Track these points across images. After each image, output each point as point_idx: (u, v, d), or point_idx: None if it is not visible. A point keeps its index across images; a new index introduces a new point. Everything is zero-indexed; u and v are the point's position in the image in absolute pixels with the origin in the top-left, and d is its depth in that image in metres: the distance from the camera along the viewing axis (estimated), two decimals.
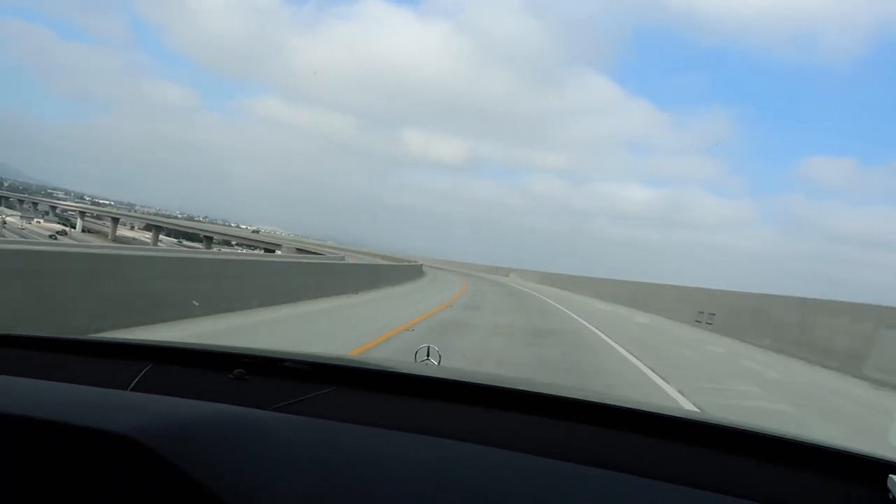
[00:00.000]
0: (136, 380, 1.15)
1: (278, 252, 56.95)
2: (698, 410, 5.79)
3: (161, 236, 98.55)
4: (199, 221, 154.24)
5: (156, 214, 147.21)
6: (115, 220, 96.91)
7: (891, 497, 0.83)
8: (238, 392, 1.14)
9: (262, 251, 63.35)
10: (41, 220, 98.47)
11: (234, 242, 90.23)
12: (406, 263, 33.73)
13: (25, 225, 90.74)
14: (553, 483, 0.84)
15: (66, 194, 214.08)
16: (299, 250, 57.05)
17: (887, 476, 0.86)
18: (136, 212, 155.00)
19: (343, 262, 22.66)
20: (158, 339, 1.57)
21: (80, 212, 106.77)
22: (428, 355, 1.94)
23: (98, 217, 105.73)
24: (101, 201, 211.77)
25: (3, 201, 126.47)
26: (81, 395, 0.90)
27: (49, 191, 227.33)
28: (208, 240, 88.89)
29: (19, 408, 0.78)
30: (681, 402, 6.26)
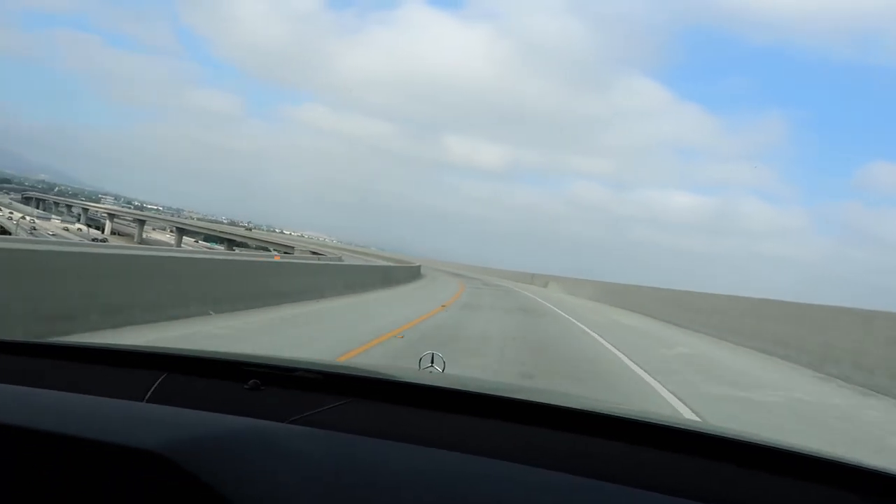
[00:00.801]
0: (152, 390, 1.16)
1: (294, 253, 58.58)
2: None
3: (184, 238, 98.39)
4: (239, 226, 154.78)
5: (200, 220, 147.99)
6: (142, 223, 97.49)
7: None
8: (253, 403, 1.13)
9: (282, 252, 62.25)
10: (82, 227, 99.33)
11: (253, 245, 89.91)
12: (405, 265, 33.85)
13: (60, 230, 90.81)
14: (567, 498, 0.84)
15: (115, 199, 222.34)
16: (313, 252, 57.61)
17: None
18: (180, 216, 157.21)
19: (340, 262, 23.64)
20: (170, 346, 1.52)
21: (109, 214, 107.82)
22: (432, 362, 1.95)
23: (131, 220, 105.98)
24: (148, 206, 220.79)
25: (39, 204, 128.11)
26: (100, 407, 0.90)
27: (100, 195, 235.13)
28: (230, 242, 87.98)
29: (38, 422, 0.78)
30: None
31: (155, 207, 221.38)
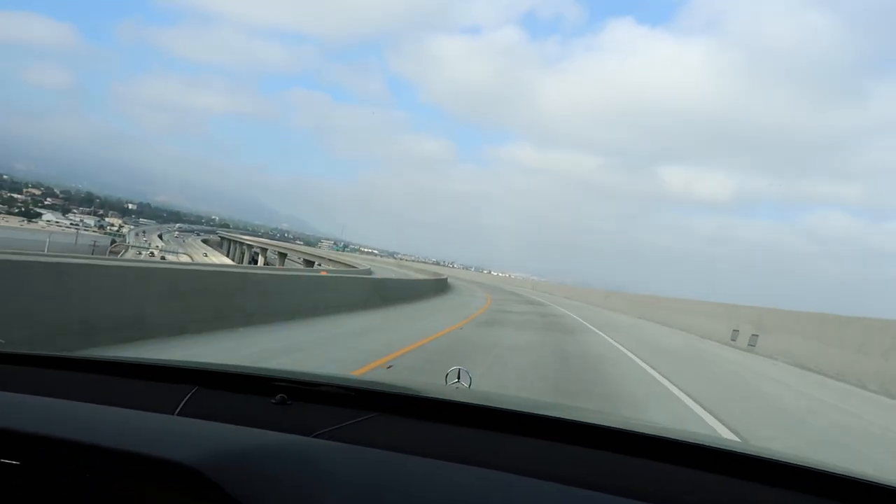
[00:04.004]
0: (182, 404, 1.18)
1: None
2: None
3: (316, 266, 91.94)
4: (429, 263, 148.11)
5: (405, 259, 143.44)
6: (283, 256, 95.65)
7: None
8: (281, 418, 1.16)
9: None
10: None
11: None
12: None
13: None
14: None
15: (335, 243, 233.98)
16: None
17: None
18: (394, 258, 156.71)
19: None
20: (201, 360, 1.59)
21: (262, 249, 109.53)
22: (459, 378, 1.93)
23: (279, 254, 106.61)
24: (364, 249, 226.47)
25: (223, 244, 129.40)
26: (130, 420, 0.92)
27: (321, 240, 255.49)
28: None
29: (67, 432, 0.80)
30: None
31: (370, 250, 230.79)
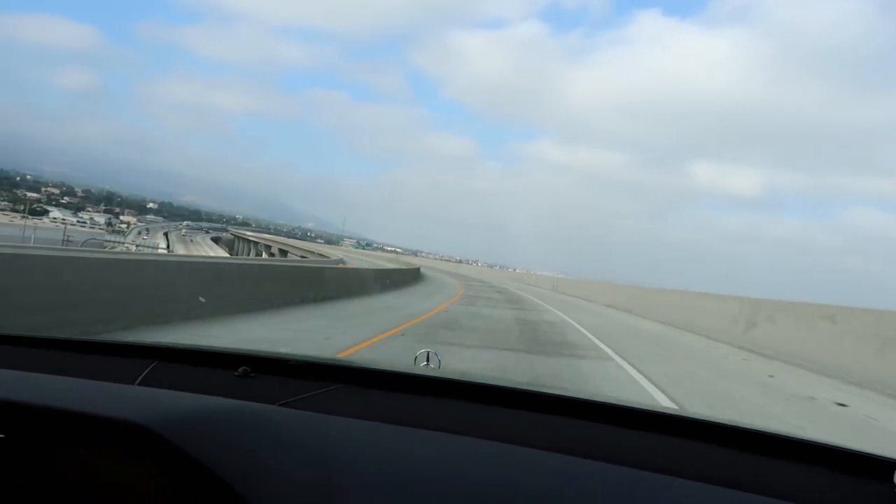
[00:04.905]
0: (143, 375, 1.20)
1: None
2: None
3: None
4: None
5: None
6: (284, 253, 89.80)
7: None
8: (243, 388, 1.17)
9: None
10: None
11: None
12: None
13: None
14: (548, 474, 0.89)
15: (358, 241, 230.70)
16: None
17: (894, 471, 0.92)
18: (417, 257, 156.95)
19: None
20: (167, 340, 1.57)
21: (266, 246, 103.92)
22: (428, 360, 1.96)
23: (280, 251, 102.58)
24: (387, 248, 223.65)
25: (223, 241, 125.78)
26: (91, 388, 0.93)
27: (343, 238, 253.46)
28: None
29: (32, 398, 0.81)
30: None
31: (393, 249, 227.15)
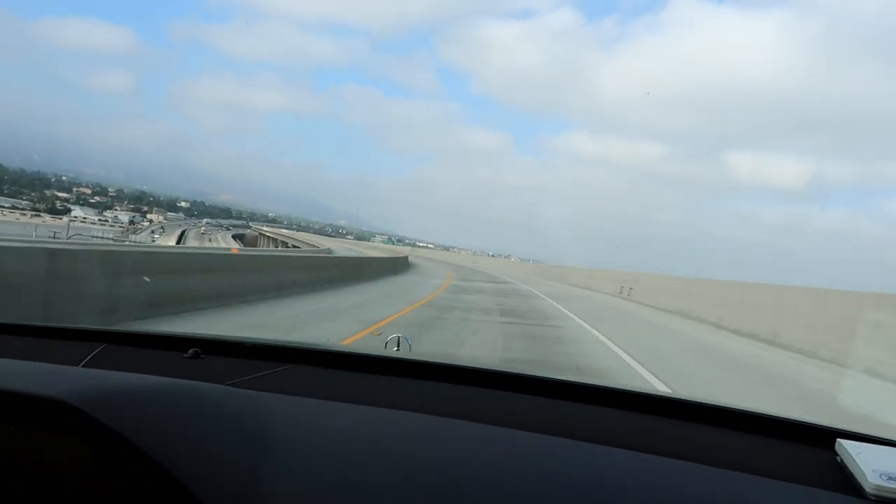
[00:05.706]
0: (88, 357, 1.19)
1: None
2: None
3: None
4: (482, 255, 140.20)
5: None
6: (285, 244, 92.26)
7: (838, 459, 0.93)
8: (192, 369, 1.16)
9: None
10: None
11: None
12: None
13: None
14: (510, 448, 0.90)
15: (389, 238, 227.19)
16: None
17: (835, 440, 0.97)
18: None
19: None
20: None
21: (283, 242, 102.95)
22: (398, 346, 1.96)
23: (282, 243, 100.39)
24: (419, 244, 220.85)
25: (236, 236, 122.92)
26: (30, 369, 0.90)
27: (374, 234, 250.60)
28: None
29: None
30: None
31: (425, 244, 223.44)
